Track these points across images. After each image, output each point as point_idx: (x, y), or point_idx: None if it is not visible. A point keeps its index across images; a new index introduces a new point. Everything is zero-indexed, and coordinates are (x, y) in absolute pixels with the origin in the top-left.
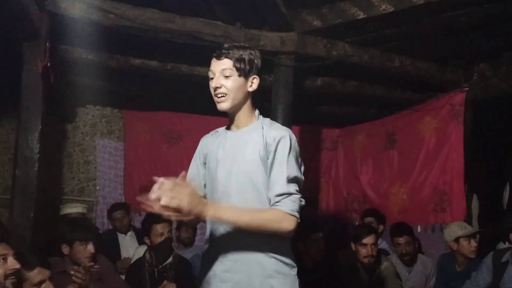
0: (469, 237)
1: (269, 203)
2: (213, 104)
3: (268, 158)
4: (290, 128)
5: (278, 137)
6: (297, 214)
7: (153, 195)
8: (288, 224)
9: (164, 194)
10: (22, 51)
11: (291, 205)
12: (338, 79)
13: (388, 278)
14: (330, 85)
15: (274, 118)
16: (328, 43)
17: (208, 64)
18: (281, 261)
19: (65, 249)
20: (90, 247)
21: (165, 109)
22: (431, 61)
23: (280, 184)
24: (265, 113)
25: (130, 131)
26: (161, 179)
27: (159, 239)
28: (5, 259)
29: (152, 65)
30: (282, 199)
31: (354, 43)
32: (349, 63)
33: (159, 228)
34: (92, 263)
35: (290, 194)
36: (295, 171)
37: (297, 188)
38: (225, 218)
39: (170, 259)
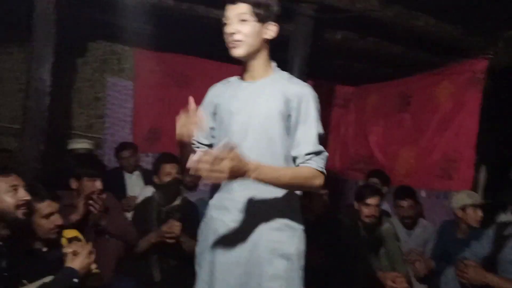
0: (476, 206)
1: (295, 160)
2: (227, 50)
3: (288, 115)
4: (305, 82)
5: (301, 93)
6: (325, 171)
7: (191, 165)
8: (320, 181)
9: (204, 168)
10: None
11: (321, 162)
12: (359, 34)
13: (388, 238)
14: (350, 40)
15: (289, 69)
16: None
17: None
18: (291, 216)
19: (74, 184)
20: (98, 183)
21: (178, 51)
22: (457, 24)
23: (310, 142)
24: (280, 64)
25: (140, 70)
26: (199, 152)
27: (167, 178)
28: (16, 190)
29: (168, 4)
30: (313, 157)
31: None
32: (372, 18)
33: (167, 167)
34: (99, 198)
35: (320, 152)
36: (321, 129)
37: (322, 145)
38: (267, 179)
39: (177, 201)
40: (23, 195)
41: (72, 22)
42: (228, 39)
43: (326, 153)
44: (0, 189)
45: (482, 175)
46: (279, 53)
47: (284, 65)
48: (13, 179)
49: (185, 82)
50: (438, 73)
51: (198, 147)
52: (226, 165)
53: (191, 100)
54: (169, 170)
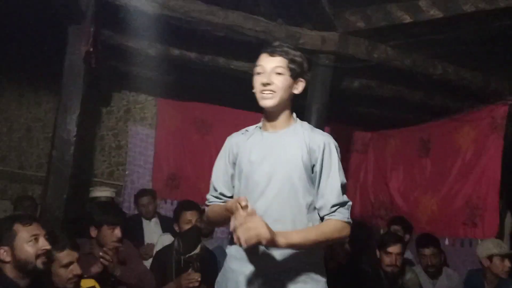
0: (503, 256)
1: (320, 211)
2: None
3: (312, 165)
4: (323, 129)
5: (323, 143)
6: (351, 220)
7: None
8: (346, 232)
9: (239, 230)
10: (67, 33)
11: (346, 213)
12: (376, 81)
13: None
14: (368, 87)
15: (308, 117)
16: (370, 45)
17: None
18: (315, 267)
19: (93, 232)
20: (118, 232)
21: (199, 100)
22: (476, 70)
23: (334, 194)
24: (299, 111)
25: (162, 119)
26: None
27: (187, 226)
28: (36, 239)
29: (191, 56)
30: (338, 208)
31: (397, 47)
32: (390, 66)
33: (188, 215)
34: (118, 247)
35: (344, 203)
36: (344, 178)
37: (346, 194)
38: (295, 243)
39: (197, 250)
40: (43, 244)
41: (98, 73)
42: (259, 88)
43: (350, 203)
44: (21, 239)
45: (509, 222)
46: (298, 100)
47: (303, 112)
48: (34, 228)
49: (205, 129)
50: (458, 119)
51: (224, 202)
52: (259, 225)
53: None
54: (190, 218)
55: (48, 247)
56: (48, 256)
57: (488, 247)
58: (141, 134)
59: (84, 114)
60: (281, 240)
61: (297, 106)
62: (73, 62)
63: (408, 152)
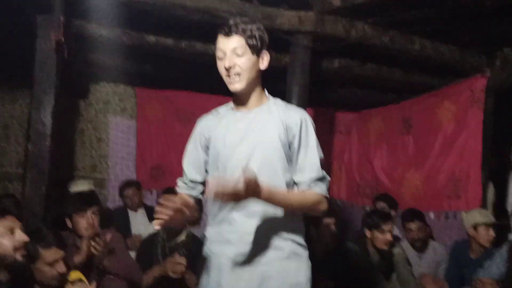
0: (488, 225)
1: (298, 185)
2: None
3: (289, 142)
4: (305, 110)
5: (299, 120)
6: (328, 195)
7: (209, 193)
8: (325, 206)
9: (222, 198)
10: (35, 24)
11: (325, 187)
12: (356, 61)
13: (399, 264)
14: (348, 68)
15: (289, 99)
16: (347, 23)
17: None
18: (297, 242)
19: (69, 223)
20: (88, 217)
21: (179, 88)
22: (453, 45)
23: (313, 169)
24: (279, 95)
25: (143, 109)
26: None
27: None
28: (12, 232)
29: (167, 43)
30: (317, 183)
31: (375, 24)
32: (368, 45)
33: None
34: (92, 233)
35: (323, 177)
36: (321, 153)
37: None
38: (276, 201)
39: (182, 237)
40: (20, 237)
41: (73, 65)
42: (224, 72)
43: (328, 178)
44: None
45: (491, 193)
46: (278, 84)
47: (283, 95)
48: (8, 221)
49: (187, 118)
50: (438, 94)
51: (193, 188)
52: (241, 197)
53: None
54: None
55: (25, 239)
56: (29, 250)
57: (473, 216)
58: (122, 126)
59: (60, 107)
60: (263, 195)
61: (276, 89)
62: (44, 54)
63: (391, 130)
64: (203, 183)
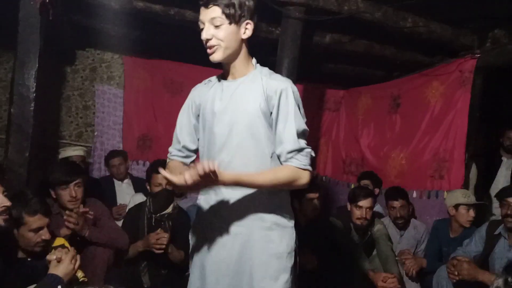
0: (469, 206)
1: (279, 158)
2: None
3: (270, 112)
4: (294, 84)
5: (279, 89)
6: (310, 167)
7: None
8: (304, 178)
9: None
10: None
11: (304, 159)
12: (348, 36)
13: (380, 239)
14: (339, 42)
15: (278, 72)
16: None
17: None
18: (280, 213)
19: (53, 194)
20: (71, 190)
21: (168, 57)
22: (445, 23)
23: (290, 140)
24: (269, 67)
25: (130, 78)
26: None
27: (157, 189)
28: None
29: (155, 9)
30: (294, 155)
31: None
32: (360, 19)
33: (158, 178)
34: (76, 205)
35: (301, 149)
36: (302, 124)
37: (306, 141)
38: (245, 185)
39: (169, 209)
40: (2, 201)
41: (59, 29)
42: (204, 44)
43: (308, 149)
44: None
45: (473, 173)
46: (269, 56)
47: (273, 68)
48: None
49: (175, 88)
50: (427, 74)
51: (186, 156)
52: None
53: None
54: (160, 181)
55: (7, 203)
56: (10, 213)
57: (455, 196)
58: (109, 94)
59: (45, 71)
60: (226, 182)
61: (267, 61)
62: (28, 14)
63: (379, 108)
64: (195, 151)
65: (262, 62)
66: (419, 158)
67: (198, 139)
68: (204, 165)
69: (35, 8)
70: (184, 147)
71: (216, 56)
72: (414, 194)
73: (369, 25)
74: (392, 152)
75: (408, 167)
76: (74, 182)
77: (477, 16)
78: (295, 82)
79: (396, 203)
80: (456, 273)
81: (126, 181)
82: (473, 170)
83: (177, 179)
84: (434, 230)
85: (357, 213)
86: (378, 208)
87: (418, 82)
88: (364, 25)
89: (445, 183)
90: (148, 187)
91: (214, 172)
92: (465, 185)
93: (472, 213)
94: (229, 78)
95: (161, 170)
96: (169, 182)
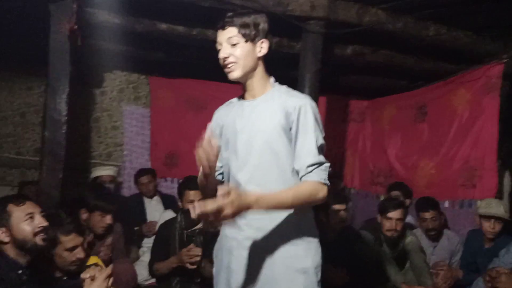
0: (489, 217)
1: (298, 173)
2: None
3: (290, 128)
4: (317, 98)
5: (298, 105)
6: (328, 182)
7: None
8: (323, 193)
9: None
10: (48, 12)
11: (323, 174)
12: (369, 47)
13: (412, 252)
14: (361, 54)
15: (301, 87)
16: (360, 8)
17: None
18: (305, 228)
19: (84, 215)
20: (108, 218)
21: (191, 76)
22: (469, 30)
23: (310, 155)
24: (291, 82)
25: (156, 97)
26: (200, 204)
27: (189, 205)
28: (32, 218)
29: (178, 30)
30: (314, 169)
31: (388, 10)
32: (382, 30)
33: (191, 194)
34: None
35: (321, 163)
36: (321, 139)
37: (324, 156)
38: (270, 206)
39: (200, 224)
40: (40, 222)
41: (86, 53)
42: (222, 63)
43: (327, 164)
44: (17, 218)
45: (507, 181)
46: (290, 70)
47: (295, 82)
48: (28, 207)
49: (200, 106)
50: (453, 81)
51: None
52: (228, 212)
53: (207, 130)
54: (192, 198)
55: (45, 224)
56: (47, 233)
57: (481, 206)
58: (136, 114)
59: (74, 95)
60: (254, 206)
61: (289, 76)
62: (58, 41)
63: (405, 118)
64: (221, 167)
65: (284, 77)
66: (449, 167)
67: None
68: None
69: (64, 35)
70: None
71: (234, 74)
72: (446, 204)
73: (390, 36)
74: (421, 161)
75: (438, 177)
76: (112, 213)
77: (501, 22)
78: (317, 95)
79: (427, 215)
80: (493, 285)
81: (155, 198)
82: (507, 178)
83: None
84: (468, 241)
85: (387, 224)
86: (409, 219)
87: (444, 90)
88: (385, 35)
89: (477, 192)
90: (180, 203)
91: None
92: (499, 193)
93: (494, 224)
94: (249, 97)
95: (201, 204)
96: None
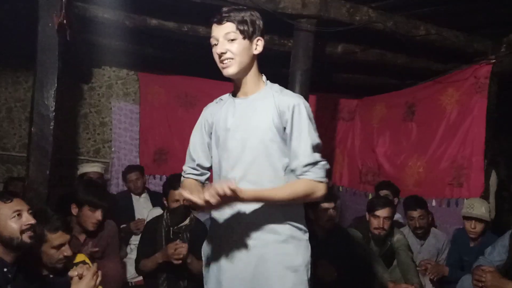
0: (474, 219)
1: (294, 172)
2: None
3: (284, 127)
4: (307, 96)
5: (292, 104)
6: (325, 180)
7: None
8: (321, 191)
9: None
10: (37, 6)
11: (320, 172)
12: (360, 46)
13: (400, 250)
14: (351, 52)
15: (292, 84)
16: (351, 7)
17: None
18: (295, 226)
19: (74, 210)
20: (98, 214)
21: (181, 73)
22: (458, 30)
23: (305, 154)
24: (282, 79)
25: (145, 93)
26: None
27: (174, 205)
28: (20, 215)
29: (169, 26)
30: (310, 168)
31: (379, 9)
32: (372, 29)
33: (176, 194)
34: (95, 228)
35: (317, 162)
36: (316, 138)
37: (320, 154)
38: (264, 201)
39: (186, 221)
40: (27, 219)
41: (75, 48)
42: (217, 59)
43: (323, 162)
44: (4, 215)
45: (493, 180)
46: (281, 68)
47: (286, 80)
48: (16, 204)
49: (190, 103)
50: (442, 81)
51: (201, 173)
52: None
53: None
54: (177, 197)
55: (32, 221)
56: (35, 231)
57: (464, 207)
58: (125, 110)
59: (62, 90)
60: (245, 200)
61: (280, 74)
62: (46, 35)
63: (394, 117)
64: (209, 169)
65: (275, 75)
66: (437, 166)
67: (212, 157)
68: (224, 185)
69: (53, 29)
70: (198, 165)
71: (230, 70)
72: (434, 203)
73: (381, 35)
74: (409, 160)
75: (426, 176)
76: (103, 208)
77: (491, 21)
78: (308, 93)
79: (415, 213)
80: (481, 283)
81: (143, 195)
82: (493, 177)
83: (197, 199)
84: (455, 239)
85: (374, 222)
86: (397, 217)
87: (433, 90)
88: (376, 34)
89: (464, 191)
90: (165, 202)
91: (234, 191)
92: (485, 192)
93: (474, 225)
94: (241, 95)
95: (183, 191)
96: (188, 200)
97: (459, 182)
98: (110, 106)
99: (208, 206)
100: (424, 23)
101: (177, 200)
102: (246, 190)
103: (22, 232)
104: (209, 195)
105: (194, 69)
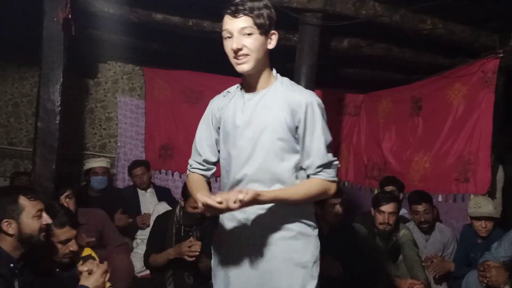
0: (480, 218)
1: (306, 170)
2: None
3: (296, 126)
4: (313, 91)
5: (304, 103)
6: (337, 179)
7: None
8: (332, 190)
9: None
10: (42, 1)
11: (332, 172)
12: (366, 40)
13: (405, 245)
14: (357, 47)
15: (297, 79)
16: (357, 1)
17: None
18: (304, 223)
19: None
20: (62, 202)
21: (187, 67)
22: (465, 24)
23: (319, 154)
24: (288, 74)
25: (151, 88)
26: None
27: (192, 210)
28: (40, 215)
29: (174, 21)
30: (324, 168)
31: (385, 2)
32: (378, 23)
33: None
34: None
35: (330, 162)
36: (329, 136)
37: (333, 153)
38: (281, 201)
39: (197, 218)
40: (46, 219)
41: (80, 43)
42: (232, 54)
43: (336, 162)
44: (29, 214)
45: (500, 176)
46: (287, 62)
47: (291, 75)
48: (39, 203)
49: (194, 97)
50: (448, 75)
51: (207, 169)
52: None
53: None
54: (195, 204)
55: (50, 221)
56: (48, 229)
57: (470, 206)
58: (131, 105)
59: (68, 85)
60: (262, 201)
61: (285, 68)
62: (51, 30)
63: (400, 111)
64: (215, 163)
65: (280, 69)
66: (443, 161)
67: (219, 151)
68: (245, 192)
69: (58, 24)
70: (205, 160)
71: (246, 67)
72: (440, 198)
73: (387, 29)
74: (415, 155)
75: (432, 171)
76: (65, 195)
77: (498, 15)
78: (313, 88)
79: (420, 207)
80: (486, 279)
81: (149, 190)
82: (500, 173)
83: (220, 206)
84: (463, 235)
85: (379, 218)
86: (403, 212)
87: (440, 84)
88: (382, 28)
89: (470, 186)
90: (182, 203)
91: (255, 197)
92: (492, 188)
93: (484, 224)
94: (251, 90)
95: (207, 199)
96: (207, 205)
97: (466, 178)
98: (116, 101)
99: (226, 211)
100: (431, 17)
101: (195, 207)
102: (264, 193)
103: (40, 231)
104: (231, 203)
105: (199, 64)
